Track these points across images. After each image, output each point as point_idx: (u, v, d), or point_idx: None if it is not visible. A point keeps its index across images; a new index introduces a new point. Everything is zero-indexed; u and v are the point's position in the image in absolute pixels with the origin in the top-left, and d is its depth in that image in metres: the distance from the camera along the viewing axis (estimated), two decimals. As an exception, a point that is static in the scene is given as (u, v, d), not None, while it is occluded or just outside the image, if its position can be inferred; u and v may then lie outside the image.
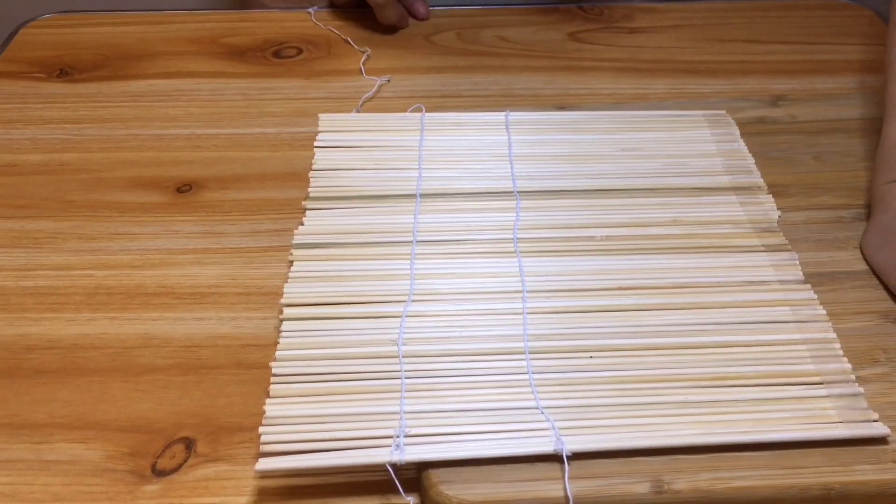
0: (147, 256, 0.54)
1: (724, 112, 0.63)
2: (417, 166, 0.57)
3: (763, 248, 0.52)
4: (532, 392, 0.43)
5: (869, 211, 0.55)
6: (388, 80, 0.69)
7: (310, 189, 0.55)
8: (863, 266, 0.52)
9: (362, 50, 0.73)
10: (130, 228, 0.56)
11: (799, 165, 0.60)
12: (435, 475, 0.40)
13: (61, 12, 0.78)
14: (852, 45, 0.74)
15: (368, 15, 0.78)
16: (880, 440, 0.42)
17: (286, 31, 0.76)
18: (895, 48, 0.54)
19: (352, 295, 0.48)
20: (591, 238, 0.52)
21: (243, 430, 0.44)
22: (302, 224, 0.53)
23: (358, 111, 0.65)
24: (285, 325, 0.46)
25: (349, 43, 0.74)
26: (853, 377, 0.44)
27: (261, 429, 0.41)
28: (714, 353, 0.45)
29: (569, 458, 0.40)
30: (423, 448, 0.41)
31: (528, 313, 0.47)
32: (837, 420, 0.42)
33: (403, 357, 0.45)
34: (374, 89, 0.68)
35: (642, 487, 0.40)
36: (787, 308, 0.48)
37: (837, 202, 0.57)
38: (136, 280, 0.52)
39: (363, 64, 0.71)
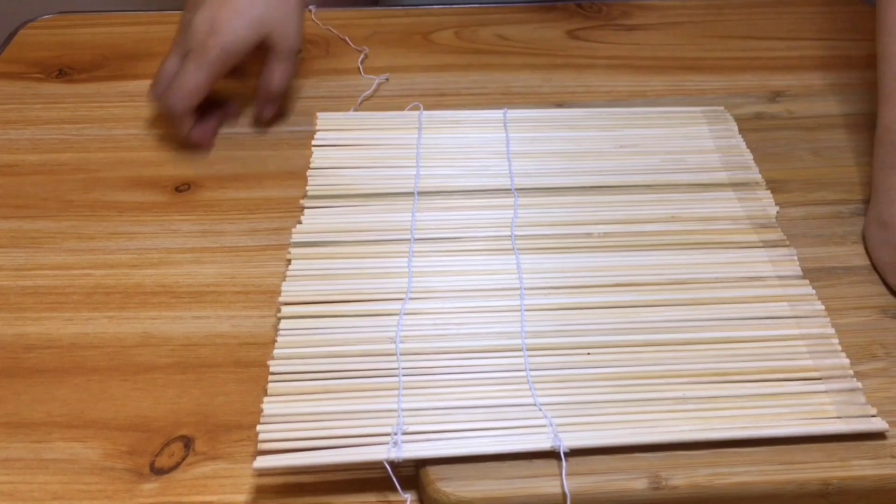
0: (145, 256, 0.54)
1: (722, 108, 0.63)
2: (415, 164, 0.57)
3: (761, 244, 0.52)
4: (530, 389, 0.43)
5: (866, 199, 0.55)
6: (387, 79, 0.69)
7: (308, 187, 0.55)
8: (861, 261, 0.52)
9: (360, 49, 0.73)
10: (129, 228, 0.56)
11: (797, 161, 0.60)
12: (433, 472, 0.40)
13: (60, 13, 0.78)
14: (850, 40, 0.74)
15: (367, 15, 0.78)
16: (879, 435, 0.42)
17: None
18: (883, 32, 0.54)
19: (350, 293, 0.48)
20: (589, 235, 0.52)
21: (241, 428, 0.44)
22: (300, 222, 0.53)
23: (356, 110, 0.65)
24: (283, 324, 0.46)
25: (347, 42, 0.74)
26: (851, 372, 0.44)
27: (259, 427, 0.41)
28: (712, 349, 0.45)
29: (566, 454, 0.40)
30: (421, 445, 0.41)
31: (525, 310, 0.47)
32: (836, 415, 0.42)
33: (401, 354, 0.45)
34: (372, 88, 0.68)
35: (640, 483, 0.40)
36: (786, 304, 0.48)
37: (836, 197, 0.57)
38: (134, 279, 0.52)
39: (361, 63, 0.71)
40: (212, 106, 0.63)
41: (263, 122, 0.63)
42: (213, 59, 0.58)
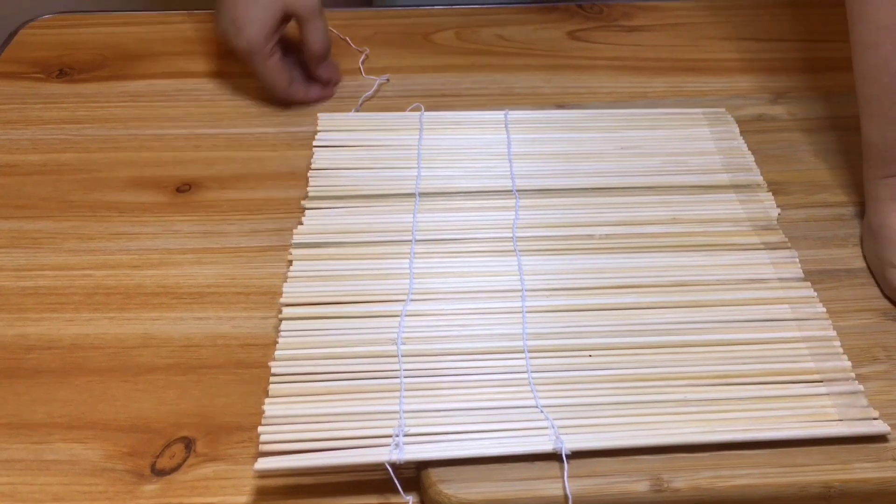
0: (146, 256, 0.54)
1: (723, 110, 0.63)
2: (416, 165, 0.57)
3: (763, 246, 0.52)
4: (531, 391, 0.43)
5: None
6: (388, 80, 0.69)
7: (309, 188, 0.55)
8: (862, 264, 0.52)
9: (360, 49, 0.73)
10: (130, 228, 0.56)
11: (798, 163, 0.60)
12: (434, 474, 0.40)
13: (61, 13, 0.78)
14: (852, 42, 0.74)
15: (367, 15, 0.78)
16: (880, 438, 0.42)
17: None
18: (858, 49, 0.54)
19: (351, 294, 0.48)
20: (591, 236, 0.52)
21: (242, 429, 0.44)
22: (301, 223, 0.53)
23: (357, 111, 0.65)
24: (284, 325, 0.46)
25: (348, 42, 0.74)
26: (853, 375, 0.44)
27: (260, 428, 0.41)
28: (714, 352, 0.45)
29: (568, 456, 0.40)
30: (422, 447, 0.41)
31: (527, 312, 0.47)
32: (837, 418, 0.42)
33: (402, 356, 0.45)
34: (373, 88, 0.68)
35: (642, 486, 0.40)
36: (787, 306, 0.48)
37: (837, 199, 0.57)
38: (135, 280, 0.52)
39: (362, 63, 0.71)
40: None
41: (329, 84, 0.67)
42: (257, 53, 0.62)
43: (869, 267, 0.52)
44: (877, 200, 0.52)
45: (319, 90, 0.67)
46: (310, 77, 0.67)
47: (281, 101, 0.66)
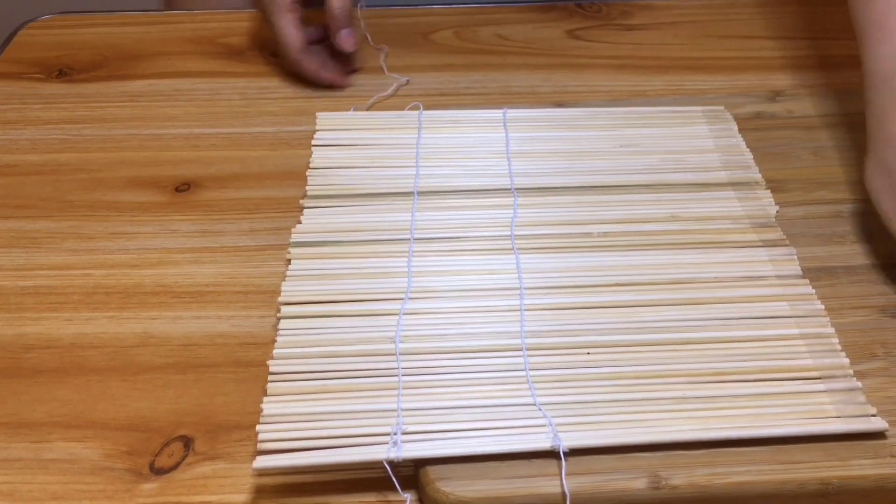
0: (145, 256, 0.54)
1: (722, 108, 0.63)
2: (415, 164, 0.57)
3: (761, 244, 0.52)
4: (529, 388, 0.43)
5: (866, 198, 0.53)
6: (408, 82, 0.68)
7: (307, 187, 0.56)
8: (861, 261, 0.52)
9: (379, 47, 0.72)
10: (129, 228, 0.56)
11: (797, 160, 0.60)
12: (432, 472, 0.40)
13: (61, 13, 0.78)
14: (850, 39, 0.74)
15: (367, 15, 0.78)
16: (878, 435, 0.42)
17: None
18: None
19: (349, 293, 0.48)
20: (589, 234, 0.52)
21: (241, 428, 0.44)
22: (300, 222, 0.53)
23: (368, 109, 0.65)
24: (283, 324, 0.46)
25: (368, 39, 0.73)
26: (851, 372, 0.44)
27: (258, 427, 0.41)
28: (712, 349, 0.45)
29: (566, 454, 0.40)
30: (421, 445, 0.41)
31: (525, 310, 0.47)
32: (835, 415, 0.42)
33: (401, 354, 0.45)
34: (391, 89, 0.67)
35: (639, 483, 0.40)
36: (785, 303, 0.48)
37: (836, 197, 0.57)
38: (134, 279, 0.52)
39: (384, 62, 0.71)
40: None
41: (349, 51, 0.67)
42: (276, 5, 0.65)
43: (881, 214, 0.49)
44: (893, 138, 0.49)
45: (334, 74, 0.68)
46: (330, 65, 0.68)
47: (290, 74, 0.68)
